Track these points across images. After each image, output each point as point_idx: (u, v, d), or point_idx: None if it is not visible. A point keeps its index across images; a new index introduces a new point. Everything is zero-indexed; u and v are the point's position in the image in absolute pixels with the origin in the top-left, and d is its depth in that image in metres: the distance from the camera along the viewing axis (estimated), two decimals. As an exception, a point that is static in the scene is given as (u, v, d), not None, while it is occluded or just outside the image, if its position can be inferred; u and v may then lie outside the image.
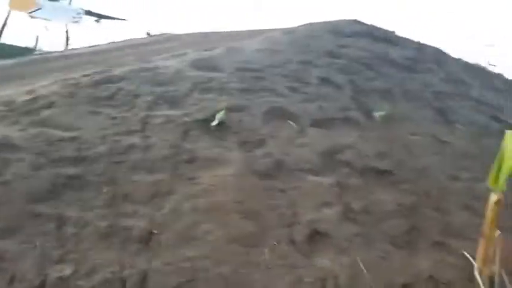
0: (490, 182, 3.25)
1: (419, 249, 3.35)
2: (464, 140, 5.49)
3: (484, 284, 3.11)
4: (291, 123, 4.38)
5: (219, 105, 4.24)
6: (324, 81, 5.37)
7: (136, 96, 4.30)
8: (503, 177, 3.26)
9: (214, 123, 4.10)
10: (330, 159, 3.97)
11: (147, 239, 2.69)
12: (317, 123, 4.50)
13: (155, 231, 2.74)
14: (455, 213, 3.96)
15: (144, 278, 2.38)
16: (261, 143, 3.95)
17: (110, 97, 4.19)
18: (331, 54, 6.21)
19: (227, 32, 10.45)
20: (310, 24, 7.72)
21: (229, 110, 4.29)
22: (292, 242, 2.92)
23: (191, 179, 3.32)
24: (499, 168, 3.20)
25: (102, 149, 3.43)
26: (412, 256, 3.21)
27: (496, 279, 3.16)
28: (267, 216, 3.08)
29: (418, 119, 5.47)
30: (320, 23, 7.77)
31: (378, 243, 3.19)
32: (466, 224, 3.71)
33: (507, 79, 10.73)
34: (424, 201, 3.92)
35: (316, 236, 3.02)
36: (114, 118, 3.85)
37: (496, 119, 6.86)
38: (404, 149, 4.63)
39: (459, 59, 9.48)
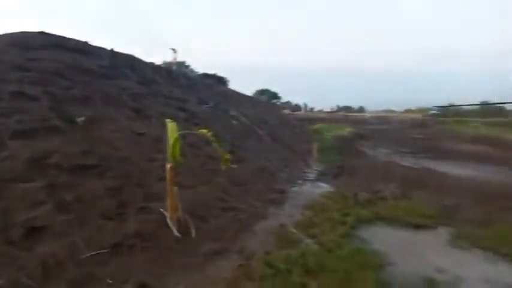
0: (169, 156, 4.68)
1: (128, 216, 4.39)
2: (157, 130, 6.98)
3: (174, 225, 4.52)
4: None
5: None
6: (17, 94, 5.41)
7: None
8: (175, 150, 4.78)
9: None
10: (37, 164, 4.34)
11: None
12: (18, 136, 4.67)
13: None
14: (154, 185, 5.26)
15: None
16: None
17: None
18: (20, 68, 6.16)
19: None
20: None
21: None
22: (10, 242, 3.26)
23: None
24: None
25: None
26: (121, 223, 4.20)
27: (181, 220, 4.65)
28: (-22, 230, 3.23)
29: (118, 119, 6.50)
30: (2, 35, 7.31)
31: (91, 221, 3.97)
32: (162, 191, 5.01)
33: (191, 76, 13.66)
34: (128, 182, 4.99)
35: (33, 231, 3.46)
36: None
37: (182, 109, 8.93)
38: (107, 145, 5.53)
39: (150, 63, 11.29)
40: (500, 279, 3.87)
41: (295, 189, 8.19)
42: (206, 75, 21.28)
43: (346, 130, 26.49)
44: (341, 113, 56.98)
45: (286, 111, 46.86)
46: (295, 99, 74.34)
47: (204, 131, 4.75)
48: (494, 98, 45.56)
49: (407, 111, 57.76)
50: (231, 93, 18.63)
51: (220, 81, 23.10)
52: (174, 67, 14.60)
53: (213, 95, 13.56)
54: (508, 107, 44.68)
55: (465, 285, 3.77)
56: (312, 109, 71.78)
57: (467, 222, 5.57)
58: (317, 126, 26.82)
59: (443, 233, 5.31)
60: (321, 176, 10.02)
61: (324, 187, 8.50)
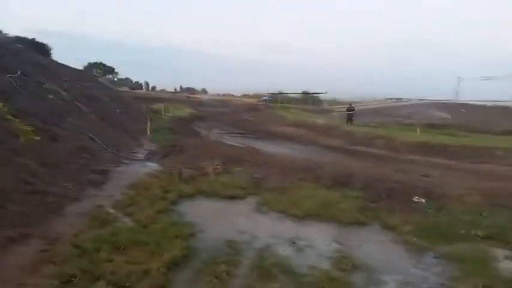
0: None
1: None
2: None
3: None
4: None
5: None
6: None
7: None
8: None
9: None
10: None
11: None
12: None
13: None
14: None
15: None
16: None
17: None
18: None
19: None
20: None
21: None
22: None
23: None
24: None
25: None
26: None
27: None
28: None
29: None
30: None
31: None
32: None
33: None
34: None
35: None
36: None
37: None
38: None
39: None
40: (284, 234, 4.75)
41: (120, 169, 7.89)
42: (19, 40, 17.69)
43: (186, 111, 26.75)
44: (184, 94, 56.85)
45: (125, 89, 44.00)
46: (136, 77, 70.38)
47: (-5, 104, 4.07)
48: (313, 88, 53.32)
49: (245, 96, 61.91)
50: (52, 63, 16.35)
51: (41, 48, 19.65)
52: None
53: (24, 63, 11.61)
54: (321, 96, 53.37)
55: (258, 241, 4.45)
56: (154, 88, 69.37)
57: (270, 191, 6.51)
58: (157, 106, 26.11)
59: (251, 201, 6.08)
60: (151, 156, 9.95)
61: (152, 166, 8.48)
